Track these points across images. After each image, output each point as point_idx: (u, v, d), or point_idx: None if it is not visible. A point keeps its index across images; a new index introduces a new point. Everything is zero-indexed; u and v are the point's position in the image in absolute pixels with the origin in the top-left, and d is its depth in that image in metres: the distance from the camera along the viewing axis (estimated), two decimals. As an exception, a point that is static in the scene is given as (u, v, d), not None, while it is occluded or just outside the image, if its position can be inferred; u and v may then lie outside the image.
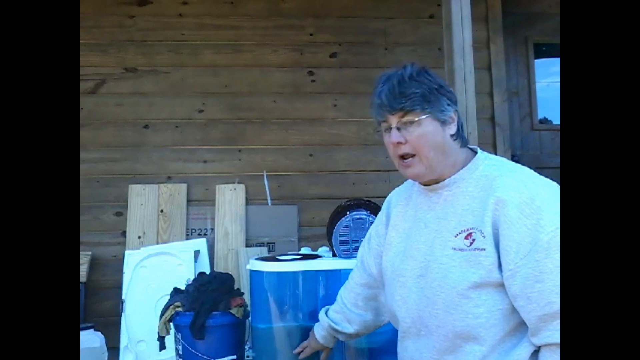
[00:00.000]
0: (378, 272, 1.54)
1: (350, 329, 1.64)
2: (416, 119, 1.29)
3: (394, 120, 1.32)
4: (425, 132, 1.30)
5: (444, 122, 1.32)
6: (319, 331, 1.70)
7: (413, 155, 1.31)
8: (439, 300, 1.28)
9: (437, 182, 1.36)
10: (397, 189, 1.57)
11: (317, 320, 1.74)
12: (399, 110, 1.30)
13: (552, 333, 1.16)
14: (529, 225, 1.19)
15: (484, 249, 1.23)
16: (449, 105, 1.33)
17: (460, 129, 1.36)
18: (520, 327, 1.24)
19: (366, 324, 1.63)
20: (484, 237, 1.24)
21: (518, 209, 1.20)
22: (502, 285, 1.23)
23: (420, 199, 1.42)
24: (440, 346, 1.29)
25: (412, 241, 1.39)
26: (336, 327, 1.65)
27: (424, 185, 1.39)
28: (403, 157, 1.33)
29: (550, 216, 1.18)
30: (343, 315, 1.65)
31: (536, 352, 1.23)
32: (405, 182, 1.55)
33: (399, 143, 1.31)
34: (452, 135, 1.34)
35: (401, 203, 1.49)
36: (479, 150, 1.39)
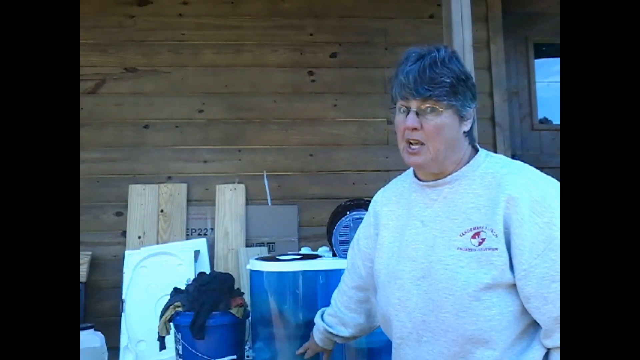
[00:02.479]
0: (368, 275, 1.49)
1: (345, 332, 1.61)
2: (439, 108, 1.22)
3: (414, 104, 1.23)
4: (443, 123, 1.23)
5: (462, 118, 1.25)
6: (317, 334, 1.69)
7: (422, 144, 1.25)
8: (446, 304, 1.21)
9: (437, 178, 1.30)
10: (382, 188, 1.52)
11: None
12: (418, 94, 1.22)
13: None
14: (541, 224, 1.16)
15: (496, 249, 1.19)
16: (471, 100, 1.27)
17: (474, 127, 1.31)
18: (529, 329, 1.21)
19: (360, 327, 1.61)
20: (495, 236, 1.19)
21: (530, 207, 1.17)
22: (512, 286, 1.19)
23: (414, 196, 1.36)
24: (449, 352, 1.23)
25: (407, 240, 1.33)
26: (331, 330, 1.63)
27: (422, 180, 1.34)
28: (410, 142, 1.26)
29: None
30: (337, 319, 1.63)
31: (546, 354, 1.20)
32: (391, 182, 1.50)
33: (414, 129, 1.24)
34: (464, 132, 1.28)
35: (391, 202, 1.43)
36: (479, 148, 1.35)
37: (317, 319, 1.70)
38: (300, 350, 1.77)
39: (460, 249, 1.23)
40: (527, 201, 1.18)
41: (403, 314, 1.30)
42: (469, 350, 1.21)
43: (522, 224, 1.17)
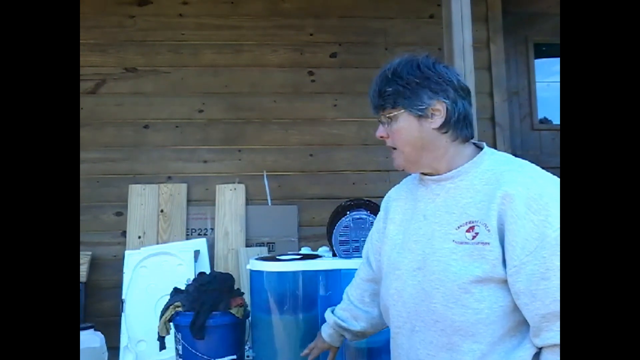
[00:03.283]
0: (377, 268, 1.53)
1: (357, 326, 1.62)
2: (389, 115, 1.34)
3: (380, 116, 1.38)
4: (399, 127, 1.34)
5: (421, 117, 1.31)
6: (326, 329, 1.69)
7: (396, 148, 1.37)
8: (437, 294, 1.25)
9: (439, 174, 1.34)
10: (396, 185, 1.56)
11: (318, 320, 1.74)
12: (377, 107, 1.37)
13: (555, 334, 1.14)
14: (536, 221, 1.16)
15: (488, 243, 1.21)
16: (430, 98, 1.31)
17: (452, 121, 1.31)
18: (520, 327, 1.22)
19: (373, 321, 1.62)
20: (488, 231, 1.21)
21: (525, 205, 1.18)
22: (505, 281, 1.20)
23: (421, 192, 1.40)
24: (437, 342, 1.26)
25: (410, 234, 1.37)
26: (343, 324, 1.63)
27: (427, 175, 1.38)
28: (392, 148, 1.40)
29: (558, 213, 1.15)
30: (349, 313, 1.64)
31: (537, 354, 1.20)
32: (405, 179, 1.53)
33: (382, 136, 1.38)
34: (437, 129, 1.31)
35: (401, 197, 1.48)
36: (485, 146, 1.37)
37: (327, 314, 1.70)
38: (306, 352, 1.74)
39: (455, 241, 1.26)
40: (524, 198, 1.19)
41: (399, 304, 1.34)
42: (456, 342, 1.23)
43: (517, 220, 1.18)
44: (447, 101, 1.31)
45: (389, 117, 1.35)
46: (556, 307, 1.13)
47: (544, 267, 1.15)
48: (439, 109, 1.31)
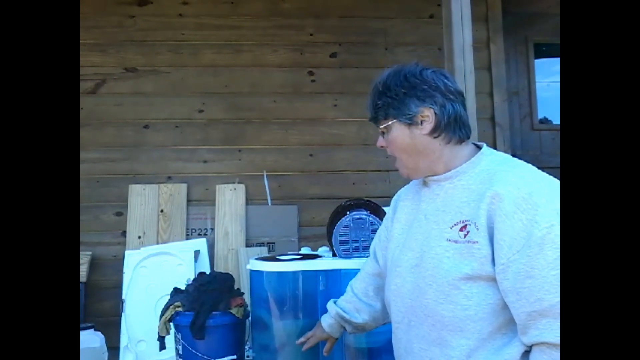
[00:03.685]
0: (383, 264, 1.56)
1: (358, 318, 1.64)
2: (382, 126, 1.40)
3: (377, 127, 1.43)
4: (393, 137, 1.39)
5: (411, 125, 1.36)
6: (327, 320, 1.70)
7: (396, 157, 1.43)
8: (430, 290, 1.29)
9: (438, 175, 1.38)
10: (407, 185, 1.59)
11: (318, 319, 1.74)
12: (373, 120, 1.43)
13: (541, 332, 1.15)
14: (524, 221, 1.18)
15: (477, 242, 1.24)
16: (417, 106, 1.34)
17: (443, 125, 1.34)
18: (510, 325, 1.23)
19: (375, 314, 1.63)
20: (477, 229, 1.24)
21: (514, 204, 1.20)
22: (494, 279, 1.22)
23: (424, 192, 1.44)
24: (429, 336, 1.30)
25: (411, 233, 1.42)
26: (345, 315, 1.65)
27: (429, 177, 1.41)
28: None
29: (547, 212, 1.17)
30: (352, 305, 1.66)
31: (527, 352, 1.21)
32: (414, 179, 1.56)
33: (382, 146, 1.43)
34: (428, 134, 1.35)
35: (408, 197, 1.52)
36: (484, 147, 1.39)
37: (329, 304, 1.71)
38: (302, 340, 1.74)
39: (449, 240, 1.29)
40: (513, 198, 1.20)
41: (398, 300, 1.39)
42: (446, 337, 1.26)
43: (505, 219, 1.20)
44: (434, 107, 1.34)
45: (384, 128, 1.40)
46: (540, 305, 1.15)
47: (529, 265, 1.17)
48: (428, 115, 1.35)
